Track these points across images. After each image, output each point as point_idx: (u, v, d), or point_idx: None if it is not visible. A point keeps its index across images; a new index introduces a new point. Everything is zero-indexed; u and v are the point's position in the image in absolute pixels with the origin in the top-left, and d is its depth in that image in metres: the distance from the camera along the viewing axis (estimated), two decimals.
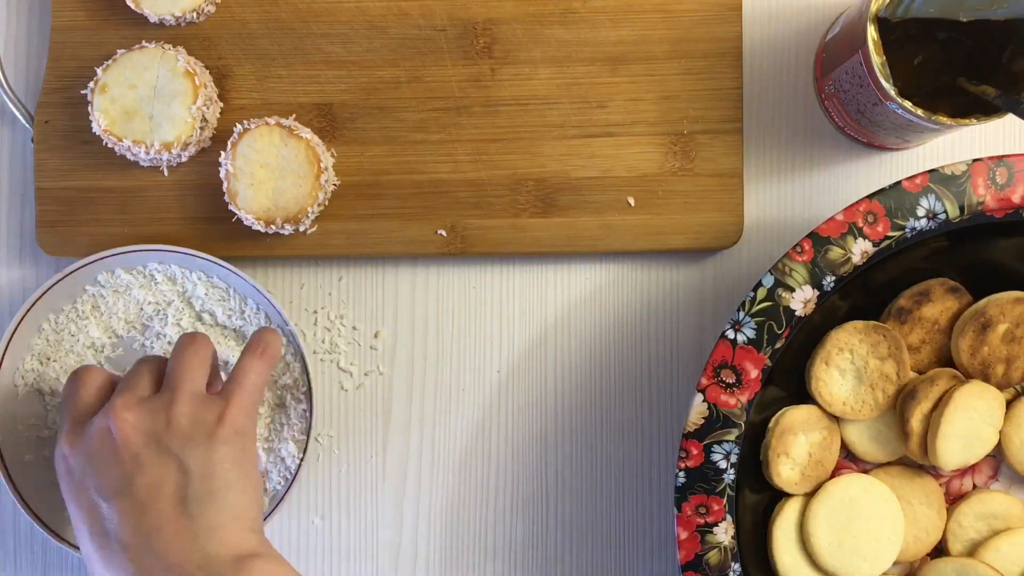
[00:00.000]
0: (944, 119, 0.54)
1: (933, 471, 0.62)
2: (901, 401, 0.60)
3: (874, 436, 0.61)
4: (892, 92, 0.54)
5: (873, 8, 0.53)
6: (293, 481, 0.61)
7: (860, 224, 0.56)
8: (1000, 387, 0.60)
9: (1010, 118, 0.65)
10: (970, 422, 0.59)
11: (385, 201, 0.64)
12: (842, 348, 0.59)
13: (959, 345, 0.60)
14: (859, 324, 0.59)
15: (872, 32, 0.54)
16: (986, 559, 0.60)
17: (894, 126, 0.58)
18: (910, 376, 0.60)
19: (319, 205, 0.62)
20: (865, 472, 0.62)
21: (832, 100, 0.62)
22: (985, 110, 0.54)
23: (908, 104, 0.54)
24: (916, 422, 0.59)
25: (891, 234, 0.56)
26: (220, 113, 0.64)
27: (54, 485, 0.62)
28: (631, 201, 0.64)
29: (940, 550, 0.62)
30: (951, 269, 0.61)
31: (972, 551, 0.61)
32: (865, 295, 0.60)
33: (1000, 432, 0.60)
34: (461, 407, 0.66)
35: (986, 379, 0.60)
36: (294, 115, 0.64)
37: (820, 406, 0.60)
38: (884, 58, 0.54)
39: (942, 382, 0.59)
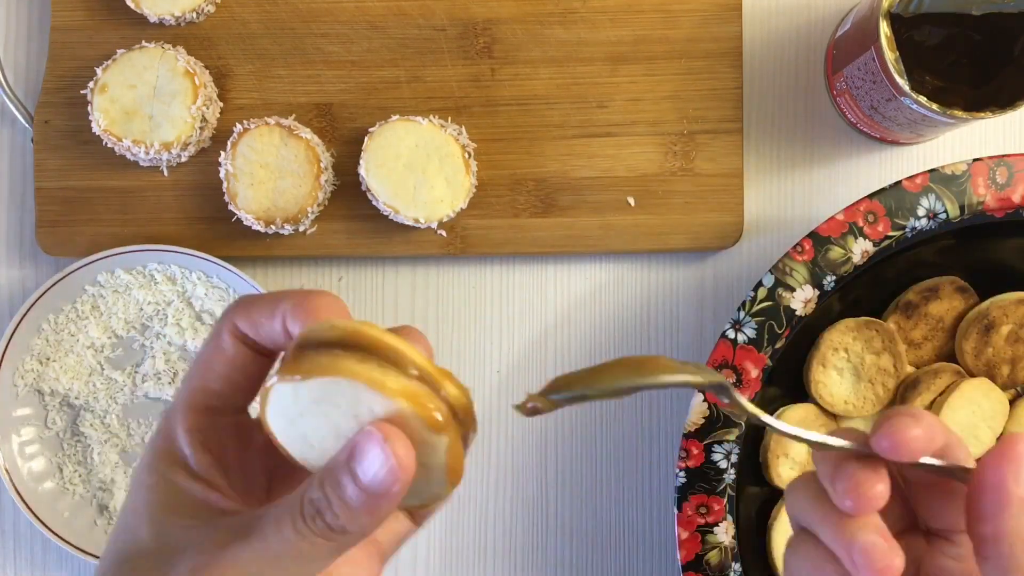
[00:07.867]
0: (959, 113, 0.54)
1: None
2: (903, 391, 0.60)
3: None
4: (906, 88, 0.54)
5: (885, 4, 0.53)
6: None
7: (860, 224, 0.56)
8: (1005, 388, 0.60)
9: (1013, 116, 0.65)
10: (971, 416, 0.59)
11: None
12: (836, 348, 0.59)
13: (963, 347, 0.60)
14: (850, 322, 0.59)
15: (885, 28, 0.53)
16: None
17: (908, 121, 0.58)
18: (907, 369, 0.60)
19: (319, 205, 0.62)
20: None
21: (844, 96, 0.62)
22: (1000, 102, 0.54)
23: (923, 99, 0.54)
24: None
25: (891, 234, 0.56)
26: (220, 113, 0.64)
27: (53, 485, 0.62)
28: (631, 201, 0.64)
29: None
30: (957, 268, 0.61)
31: None
32: (855, 294, 0.60)
33: (1003, 431, 0.60)
34: None
35: (991, 380, 0.60)
36: (294, 115, 0.64)
37: (821, 407, 0.60)
38: (898, 54, 0.54)
39: (946, 376, 0.59)
